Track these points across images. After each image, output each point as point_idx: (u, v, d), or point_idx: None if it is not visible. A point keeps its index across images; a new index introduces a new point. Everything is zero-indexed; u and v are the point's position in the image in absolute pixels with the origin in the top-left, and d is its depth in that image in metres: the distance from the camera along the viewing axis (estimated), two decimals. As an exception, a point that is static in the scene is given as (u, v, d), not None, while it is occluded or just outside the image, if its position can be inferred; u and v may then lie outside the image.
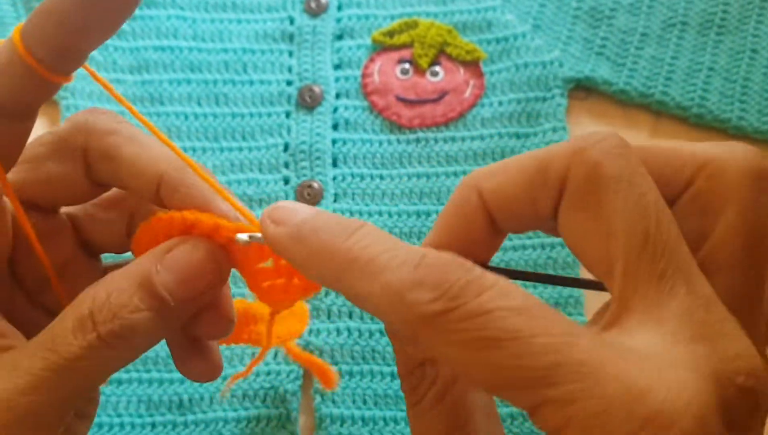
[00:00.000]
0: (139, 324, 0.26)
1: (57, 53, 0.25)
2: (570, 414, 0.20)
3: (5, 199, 0.28)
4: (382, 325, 0.50)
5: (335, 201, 0.54)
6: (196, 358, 0.30)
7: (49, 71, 0.25)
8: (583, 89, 0.60)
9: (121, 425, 0.47)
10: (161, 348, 0.49)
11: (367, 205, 0.54)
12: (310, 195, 0.54)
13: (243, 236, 0.27)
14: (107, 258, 0.34)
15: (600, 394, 0.19)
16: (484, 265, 0.26)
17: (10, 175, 0.29)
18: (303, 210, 0.25)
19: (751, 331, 0.22)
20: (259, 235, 0.27)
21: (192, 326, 0.29)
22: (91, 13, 0.25)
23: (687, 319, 0.21)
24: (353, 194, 0.55)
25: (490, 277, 0.22)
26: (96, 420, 0.47)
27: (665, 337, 0.21)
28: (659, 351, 0.21)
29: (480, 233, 0.26)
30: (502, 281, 0.22)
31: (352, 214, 0.54)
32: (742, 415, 0.20)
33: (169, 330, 0.27)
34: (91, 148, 0.29)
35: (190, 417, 0.47)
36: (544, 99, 0.58)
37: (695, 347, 0.21)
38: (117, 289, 0.26)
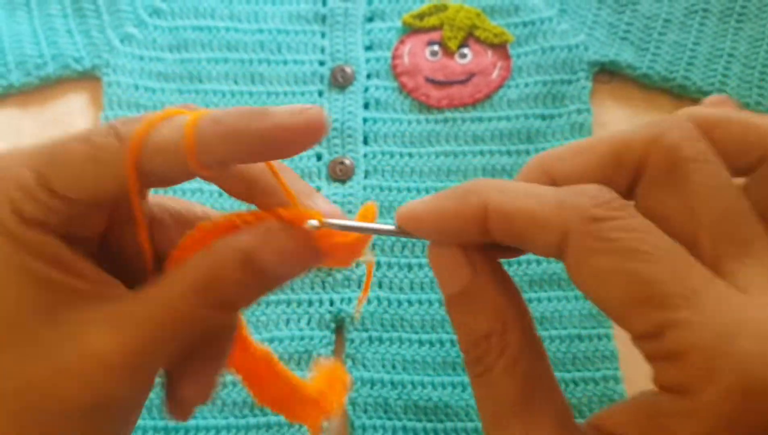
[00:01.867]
0: (243, 296, 0.28)
1: (220, 165, 0.27)
2: (700, 338, 0.21)
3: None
4: (409, 295, 0.52)
5: (366, 177, 0.57)
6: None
7: (201, 169, 0.26)
8: (607, 72, 0.61)
9: (162, 384, 0.49)
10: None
11: (396, 181, 0.56)
12: (341, 171, 0.56)
13: (313, 222, 0.29)
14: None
15: (733, 321, 0.21)
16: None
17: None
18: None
19: None
20: (323, 221, 0.29)
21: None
22: (273, 149, 0.27)
23: None
24: (383, 171, 0.57)
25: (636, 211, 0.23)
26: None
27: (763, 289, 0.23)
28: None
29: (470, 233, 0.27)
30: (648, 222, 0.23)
31: (381, 190, 0.56)
32: None
33: (256, 300, 0.29)
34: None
35: (229, 377, 0.50)
36: (569, 81, 0.59)
37: None
38: (226, 263, 0.27)
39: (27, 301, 0.26)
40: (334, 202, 0.55)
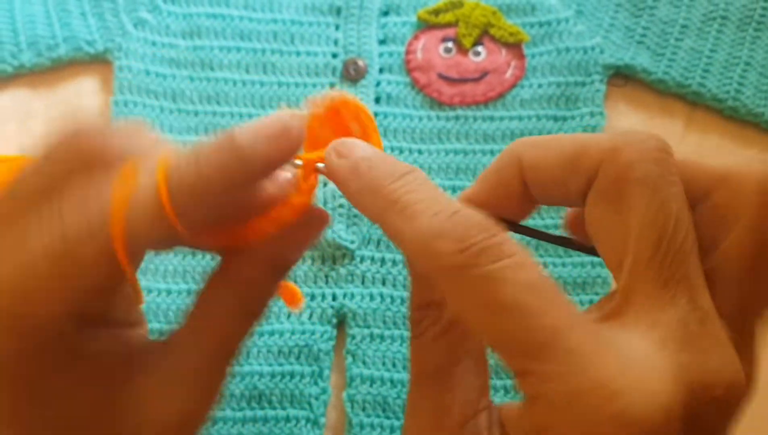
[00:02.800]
0: (271, 295, 0.31)
1: (198, 227, 0.27)
2: (546, 389, 0.22)
3: None
4: (414, 293, 0.52)
5: (374, 172, 0.56)
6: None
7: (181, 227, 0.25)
8: (621, 76, 0.61)
9: (162, 372, 0.49)
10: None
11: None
12: (350, 165, 0.56)
13: (321, 165, 0.29)
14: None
15: (577, 382, 0.22)
16: (515, 224, 0.29)
17: None
18: (365, 148, 0.28)
19: (742, 344, 0.24)
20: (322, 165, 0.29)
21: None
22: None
23: (681, 328, 0.23)
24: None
25: (512, 246, 0.23)
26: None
27: (655, 341, 0.23)
28: (645, 354, 0.23)
29: (514, 198, 0.28)
30: (522, 254, 0.23)
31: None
32: (711, 426, 0.23)
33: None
34: None
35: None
36: (584, 84, 0.59)
37: (680, 356, 0.23)
38: (254, 285, 0.30)
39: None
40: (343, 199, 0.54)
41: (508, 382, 0.49)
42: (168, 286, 0.52)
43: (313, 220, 0.30)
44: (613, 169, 0.25)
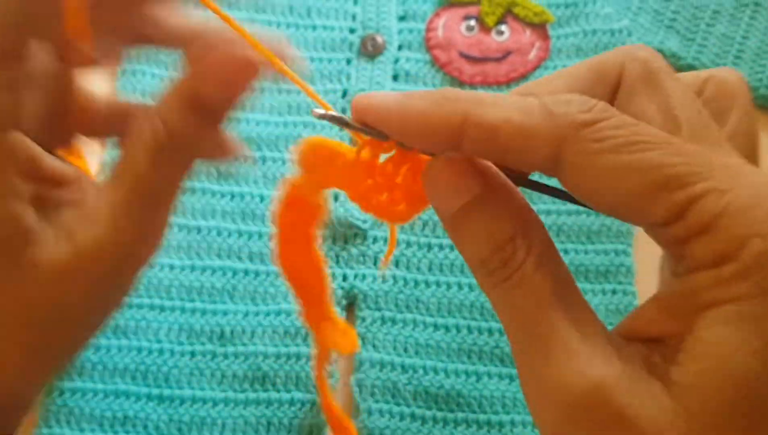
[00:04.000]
0: (189, 134, 0.30)
1: None
2: (728, 200, 0.21)
3: None
4: (427, 276, 0.49)
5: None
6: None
7: None
8: (650, 61, 0.58)
9: (160, 351, 0.47)
10: (206, 279, 0.49)
11: (421, 157, 0.54)
12: (364, 143, 0.53)
13: (319, 111, 0.28)
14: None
15: (751, 183, 0.22)
16: (520, 177, 0.27)
17: None
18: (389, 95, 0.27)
19: None
20: (332, 113, 0.28)
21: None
22: None
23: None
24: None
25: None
26: (136, 344, 0.47)
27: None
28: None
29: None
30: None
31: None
32: None
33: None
34: None
35: (230, 349, 0.47)
36: (610, 66, 0.56)
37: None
38: (166, 106, 0.30)
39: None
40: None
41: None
42: (171, 261, 0.49)
43: (234, 63, 0.31)
44: (637, 66, 0.27)
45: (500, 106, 0.24)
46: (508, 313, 0.25)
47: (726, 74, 0.31)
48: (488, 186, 0.26)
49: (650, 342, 0.23)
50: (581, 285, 0.49)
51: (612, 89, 0.28)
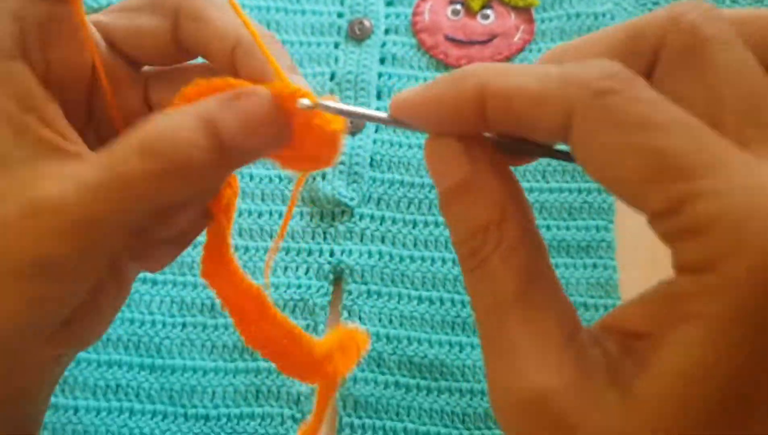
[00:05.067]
0: (197, 160, 0.26)
1: None
2: (725, 204, 0.20)
3: (94, 35, 0.31)
4: (412, 252, 0.51)
5: (376, 131, 0.55)
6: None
7: None
8: (632, 43, 0.60)
9: (153, 323, 0.48)
10: (197, 254, 0.50)
11: (407, 137, 0.55)
12: (353, 123, 0.55)
13: (305, 101, 0.28)
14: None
15: (760, 188, 0.19)
16: (508, 141, 0.27)
17: (103, 17, 0.31)
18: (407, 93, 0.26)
19: None
20: (320, 102, 0.28)
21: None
22: None
23: None
24: (395, 128, 0.55)
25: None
26: (129, 316, 0.48)
27: None
28: None
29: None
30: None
31: (392, 145, 0.54)
32: None
33: (220, 176, 0.28)
34: (183, 7, 0.31)
35: (221, 320, 0.48)
36: (592, 48, 0.58)
37: None
38: (182, 122, 0.26)
39: None
40: (344, 155, 0.53)
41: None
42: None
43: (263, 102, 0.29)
44: (681, 36, 0.23)
45: (517, 74, 0.23)
46: (474, 301, 0.25)
47: None
48: (476, 170, 0.25)
49: (630, 338, 0.22)
50: (562, 259, 0.51)
51: (650, 60, 0.24)
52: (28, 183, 0.26)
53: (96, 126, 0.32)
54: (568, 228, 0.52)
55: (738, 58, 0.22)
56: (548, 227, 0.52)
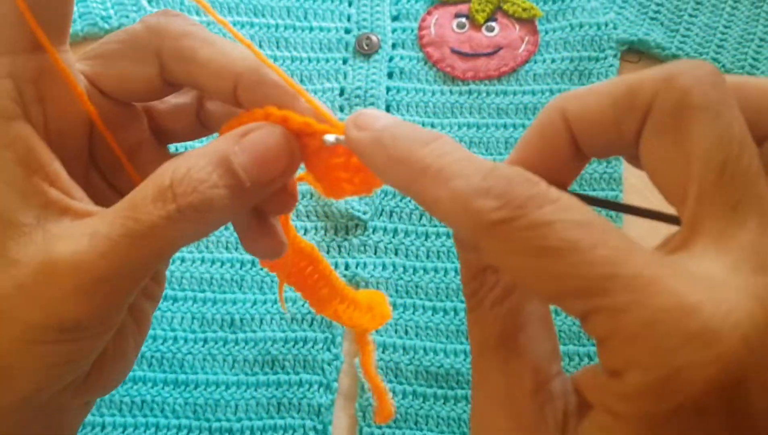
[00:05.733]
0: (216, 200, 0.26)
1: None
2: (618, 323, 0.20)
3: (82, 82, 0.30)
4: (425, 263, 0.52)
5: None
6: (263, 236, 0.31)
7: None
8: (635, 52, 0.61)
9: (175, 339, 0.50)
10: (215, 271, 0.52)
11: (417, 150, 0.56)
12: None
13: (330, 138, 0.28)
14: (179, 148, 0.36)
15: (649, 306, 0.20)
16: (564, 188, 0.27)
17: (85, 67, 0.30)
18: (385, 118, 0.26)
19: None
20: (343, 137, 0.28)
21: (261, 203, 0.30)
22: None
23: (753, 251, 0.21)
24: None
25: (555, 191, 0.22)
26: (151, 333, 0.50)
27: (727, 264, 0.21)
28: (718, 275, 0.21)
29: (561, 154, 0.26)
30: (566, 196, 0.22)
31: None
32: None
33: (241, 210, 0.28)
34: (165, 49, 0.30)
35: (241, 335, 0.50)
36: (597, 59, 0.59)
37: (756, 278, 0.21)
38: (196, 164, 0.26)
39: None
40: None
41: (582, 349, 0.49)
42: (182, 254, 0.52)
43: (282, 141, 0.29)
44: (669, 98, 0.23)
45: (439, 181, 0.23)
46: (470, 338, 0.26)
47: None
48: None
49: (583, 399, 0.23)
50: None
51: (642, 116, 0.24)
52: (41, 245, 0.25)
53: (100, 168, 0.32)
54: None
55: (720, 130, 0.22)
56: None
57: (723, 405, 0.20)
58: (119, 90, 0.31)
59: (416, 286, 0.51)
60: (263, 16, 0.61)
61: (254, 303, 0.51)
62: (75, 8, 0.61)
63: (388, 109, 0.58)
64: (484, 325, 0.26)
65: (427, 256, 0.52)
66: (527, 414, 0.24)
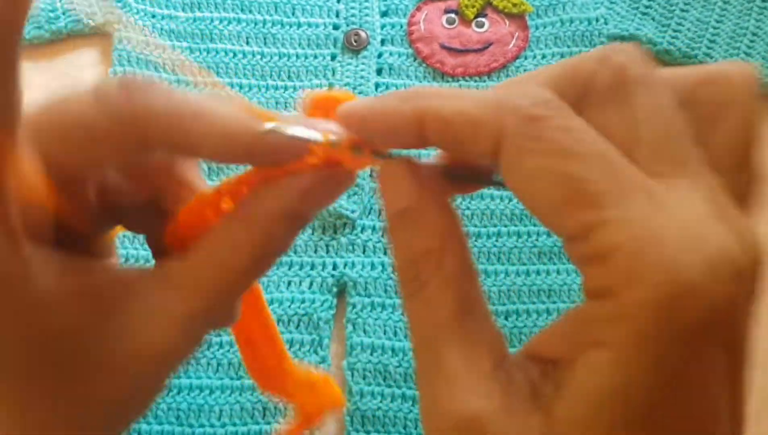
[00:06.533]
0: (279, 247, 0.28)
1: None
2: (630, 234, 0.20)
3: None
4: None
5: (375, 143, 0.55)
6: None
7: None
8: (626, 47, 0.60)
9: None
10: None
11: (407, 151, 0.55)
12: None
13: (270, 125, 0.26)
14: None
15: (661, 223, 0.20)
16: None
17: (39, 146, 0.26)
18: (356, 104, 0.27)
19: None
20: (315, 136, 0.26)
21: None
22: None
23: (714, 196, 0.22)
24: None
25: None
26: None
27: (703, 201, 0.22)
28: (705, 210, 0.22)
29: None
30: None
31: (392, 156, 0.55)
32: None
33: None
34: (151, 141, 0.26)
35: (225, 338, 0.49)
36: (588, 54, 0.58)
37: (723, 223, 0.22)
38: (269, 231, 0.27)
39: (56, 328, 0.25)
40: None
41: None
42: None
43: (339, 177, 0.29)
44: (609, 72, 0.24)
45: (457, 99, 0.24)
46: (411, 327, 0.26)
47: (726, 73, 0.26)
48: (422, 198, 0.26)
49: (548, 363, 0.23)
50: (564, 266, 0.51)
51: (578, 95, 0.25)
52: (122, 334, 0.26)
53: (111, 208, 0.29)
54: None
55: (656, 99, 0.24)
56: (548, 234, 0.52)
57: (727, 332, 0.20)
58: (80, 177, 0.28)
59: (405, 287, 0.51)
60: (250, 12, 0.60)
61: (239, 304, 0.50)
62: (59, 4, 0.60)
63: (376, 106, 0.57)
64: (433, 307, 0.25)
65: (416, 256, 0.52)
66: (495, 392, 0.23)
